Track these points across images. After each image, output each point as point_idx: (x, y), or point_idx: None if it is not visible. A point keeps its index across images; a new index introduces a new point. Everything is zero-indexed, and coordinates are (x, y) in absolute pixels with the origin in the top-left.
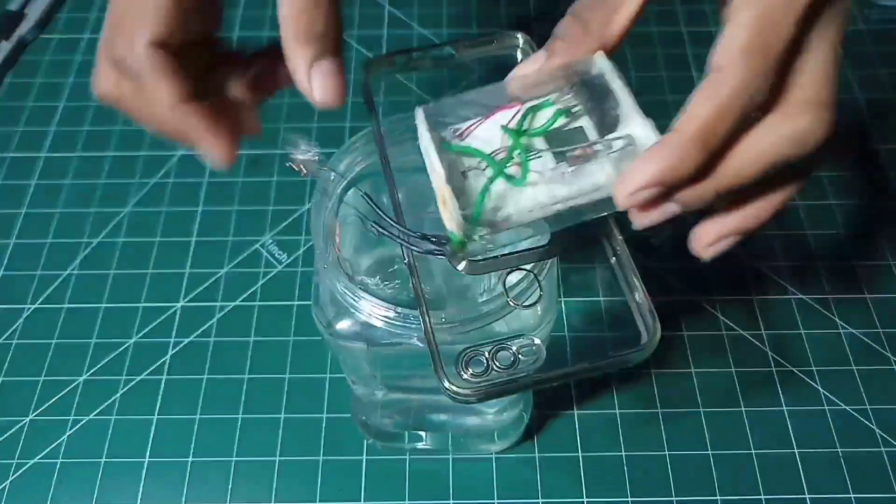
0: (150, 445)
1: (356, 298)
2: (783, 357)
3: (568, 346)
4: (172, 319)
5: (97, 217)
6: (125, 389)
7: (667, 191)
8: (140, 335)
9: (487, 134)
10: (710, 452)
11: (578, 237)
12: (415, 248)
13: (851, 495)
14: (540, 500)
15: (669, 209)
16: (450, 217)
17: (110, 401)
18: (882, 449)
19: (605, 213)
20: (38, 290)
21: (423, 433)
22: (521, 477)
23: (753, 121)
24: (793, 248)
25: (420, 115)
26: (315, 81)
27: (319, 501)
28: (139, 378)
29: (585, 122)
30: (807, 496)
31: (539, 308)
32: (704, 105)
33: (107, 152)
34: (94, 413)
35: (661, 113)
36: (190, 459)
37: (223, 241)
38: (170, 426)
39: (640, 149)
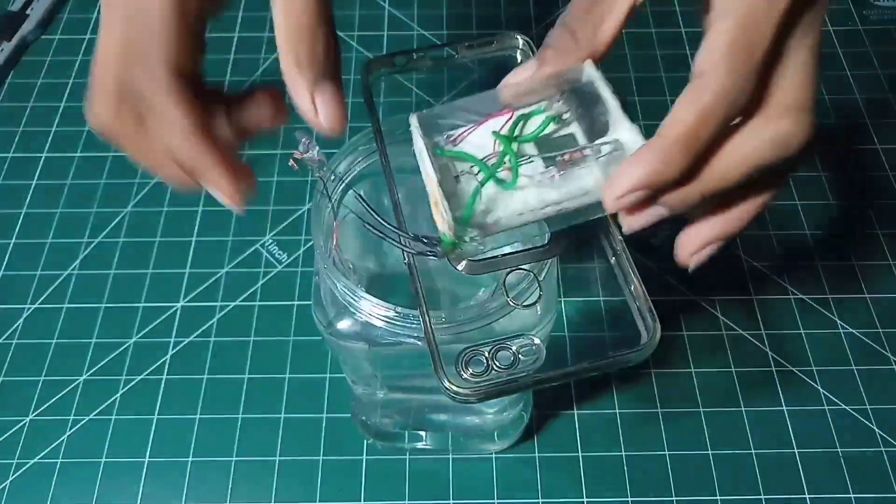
0: (150, 445)
1: (356, 298)
2: (783, 357)
3: (568, 346)
4: (172, 319)
5: (97, 217)
6: (125, 389)
7: (653, 194)
8: (140, 335)
9: (480, 140)
10: (710, 452)
11: (578, 237)
12: (407, 249)
13: (851, 495)
14: (540, 500)
15: (657, 213)
16: (441, 219)
17: (110, 401)
18: (882, 449)
19: (594, 217)
20: (38, 290)
21: (423, 433)
22: (521, 477)
23: (736, 125)
24: (793, 248)
25: (414, 122)
26: (320, 107)
27: (319, 501)
28: (139, 378)
29: (575, 129)
30: (807, 496)
31: (539, 308)
32: (688, 110)
33: (107, 152)
34: (94, 413)
35: (660, 113)
36: (190, 459)
37: (223, 241)
38: (170, 426)
39: (628, 153)
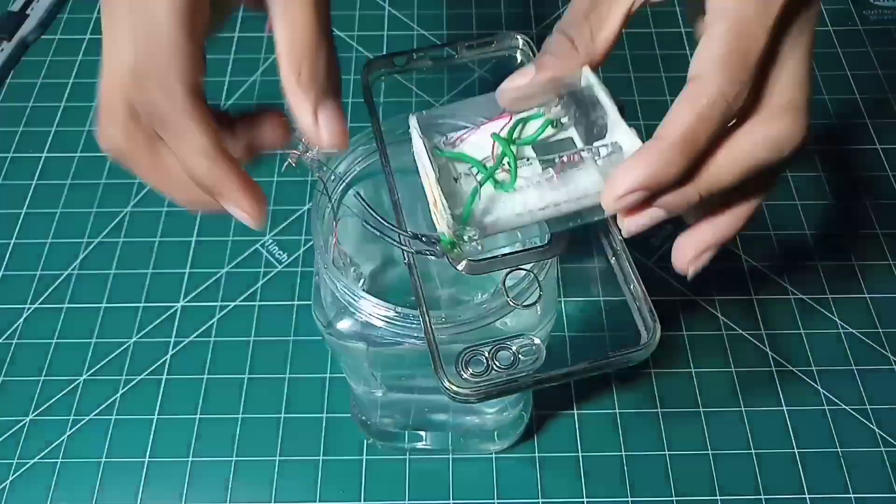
0: (150, 445)
1: (356, 298)
2: (783, 357)
3: (568, 346)
4: (172, 319)
5: (97, 217)
6: (125, 389)
7: (651, 195)
8: (140, 335)
9: (479, 142)
10: (710, 452)
11: (578, 237)
12: (406, 247)
13: (851, 495)
14: (540, 500)
15: (656, 214)
16: (440, 218)
17: (110, 401)
18: (882, 449)
19: (592, 219)
20: (38, 290)
21: (423, 433)
22: (521, 477)
23: (732, 126)
24: (793, 248)
25: (413, 122)
26: (322, 125)
27: (319, 501)
28: (139, 378)
29: (573, 133)
30: (807, 496)
31: (539, 308)
32: (685, 112)
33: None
34: (94, 413)
35: (660, 113)
36: (190, 459)
37: (223, 241)
38: (170, 426)
39: (626, 156)
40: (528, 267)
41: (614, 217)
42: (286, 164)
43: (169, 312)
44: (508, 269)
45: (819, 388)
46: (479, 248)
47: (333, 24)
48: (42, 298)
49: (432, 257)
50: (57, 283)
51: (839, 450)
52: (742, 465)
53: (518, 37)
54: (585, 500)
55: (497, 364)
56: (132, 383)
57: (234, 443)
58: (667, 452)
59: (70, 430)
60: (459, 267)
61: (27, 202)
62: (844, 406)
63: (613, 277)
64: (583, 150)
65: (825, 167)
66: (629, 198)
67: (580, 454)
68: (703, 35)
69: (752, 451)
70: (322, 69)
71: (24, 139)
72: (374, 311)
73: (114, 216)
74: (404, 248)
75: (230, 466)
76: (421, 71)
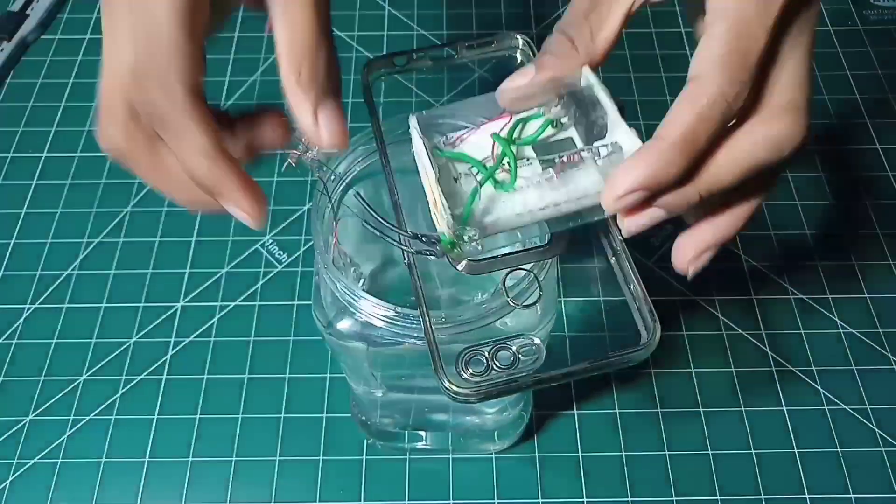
0: (150, 445)
1: (356, 298)
2: (783, 357)
3: (568, 346)
4: (172, 319)
5: (97, 217)
6: (125, 389)
7: (651, 195)
8: (140, 335)
9: (479, 142)
10: (710, 452)
11: (578, 237)
12: (406, 247)
13: (851, 495)
14: (540, 500)
15: (656, 215)
16: (440, 218)
17: (110, 401)
18: (882, 449)
19: (593, 219)
20: (38, 290)
21: (423, 433)
22: (521, 477)
23: (732, 126)
24: (793, 248)
25: (413, 122)
26: (322, 125)
27: (319, 501)
28: (139, 378)
29: (573, 133)
30: (807, 496)
31: (539, 308)
32: (685, 112)
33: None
34: (94, 413)
35: (660, 113)
36: (190, 459)
37: (223, 241)
38: (170, 426)
39: (626, 156)
40: (528, 267)
41: (614, 217)
42: (286, 164)
43: (169, 312)
44: (508, 269)
45: (819, 388)
46: (479, 248)
47: (333, 24)
48: (42, 298)
49: (432, 257)
50: (57, 283)
51: (839, 450)
52: (742, 465)
53: (518, 37)
54: (585, 500)
55: (497, 364)
56: (132, 383)
57: (234, 443)
58: (667, 452)
59: (70, 430)
60: (459, 267)
61: (27, 202)
62: (844, 406)
63: (613, 277)
64: (583, 150)
65: (825, 167)
66: (629, 198)
67: (580, 454)
68: (703, 35)
69: (752, 451)
70: (322, 69)
71: (24, 139)
72: (374, 311)
73: (114, 216)
74: (404, 248)
75: (230, 466)
76: (421, 71)
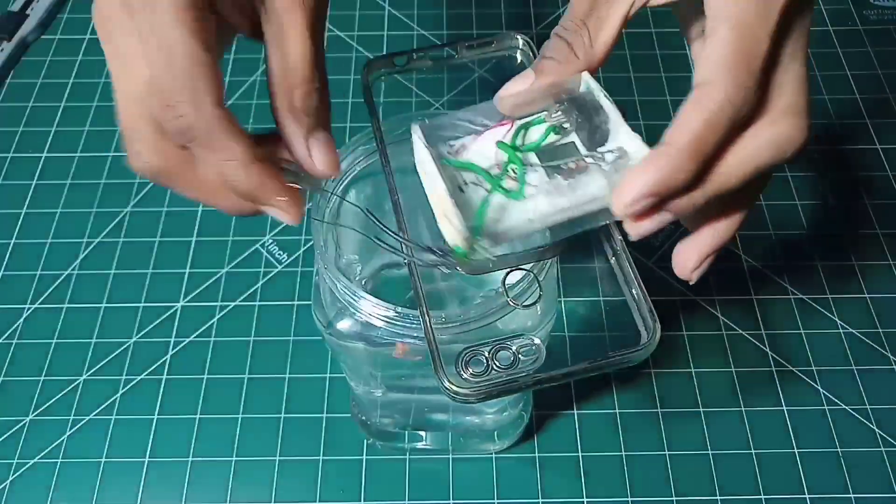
0: (150, 445)
1: (356, 298)
2: (783, 357)
3: (568, 346)
4: (172, 319)
5: (97, 217)
6: (125, 389)
7: (661, 200)
8: (140, 335)
9: (482, 150)
10: (710, 452)
11: (578, 238)
12: (419, 261)
13: (851, 495)
14: (540, 500)
15: (664, 219)
16: (453, 230)
17: (110, 401)
18: (882, 449)
19: (601, 223)
20: (38, 290)
21: (423, 433)
22: (521, 477)
23: (737, 130)
24: (793, 248)
25: (417, 132)
26: (315, 153)
27: (319, 501)
28: (139, 378)
29: (574, 138)
30: (807, 496)
31: (539, 308)
32: (693, 118)
33: (107, 152)
34: (94, 413)
35: (660, 113)
36: (190, 459)
37: (223, 241)
38: (170, 426)
39: (631, 161)
40: (528, 267)
41: (618, 222)
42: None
43: (169, 312)
44: (508, 269)
45: (819, 388)
46: (493, 258)
47: (333, 24)
48: (42, 298)
49: (445, 270)
50: (57, 283)
51: (839, 450)
52: (742, 465)
53: (518, 37)
54: (585, 500)
55: (497, 364)
56: (132, 383)
57: (234, 443)
58: (667, 452)
59: (70, 430)
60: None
61: (27, 202)
62: (844, 406)
63: (613, 277)
64: (589, 156)
65: (825, 167)
66: (639, 204)
67: (580, 454)
68: (707, 40)
69: (752, 451)
70: (315, 100)
71: (24, 139)
72: (374, 311)
73: (114, 216)
74: (417, 260)
75: (230, 466)
76: (421, 71)
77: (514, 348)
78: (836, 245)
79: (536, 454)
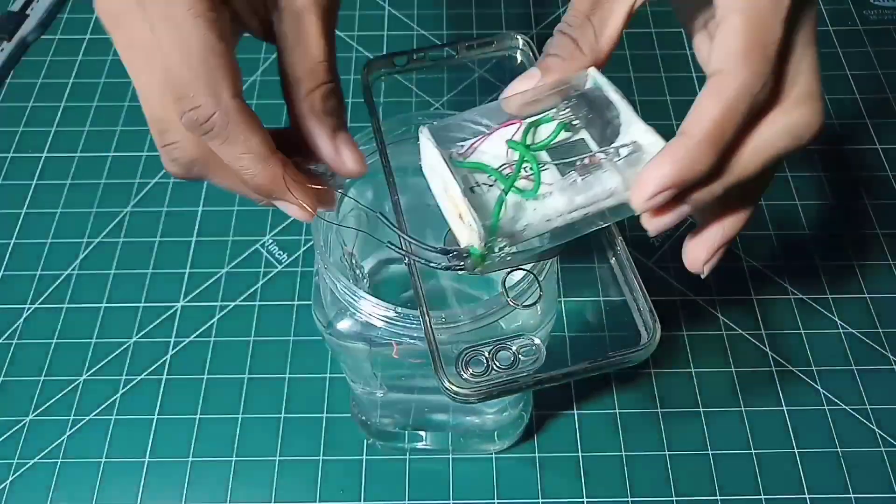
0: (150, 445)
1: (356, 298)
2: (783, 357)
3: (568, 346)
4: (172, 319)
5: (97, 217)
6: (125, 389)
7: (680, 192)
8: (140, 335)
9: (492, 150)
10: (710, 452)
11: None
12: (433, 264)
13: (851, 495)
14: (540, 500)
15: (682, 211)
16: (469, 231)
17: (110, 401)
18: (882, 449)
19: (620, 219)
20: (38, 290)
21: (423, 433)
22: (521, 477)
23: (754, 118)
24: (793, 248)
25: (426, 134)
26: (344, 152)
27: (319, 501)
28: (139, 378)
29: (585, 135)
30: (807, 496)
31: (539, 308)
32: (712, 107)
33: (107, 152)
34: (94, 413)
35: (660, 113)
36: (190, 459)
37: (223, 241)
38: (170, 426)
39: (647, 154)
40: (528, 267)
41: (632, 219)
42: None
43: (169, 312)
44: (508, 269)
45: (819, 388)
46: (509, 258)
47: None
48: (42, 298)
49: (462, 272)
50: (57, 283)
51: (839, 450)
52: (742, 465)
53: (518, 37)
54: (585, 500)
55: (497, 364)
56: (132, 383)
57: (234, 443)
58: (667, 452)
59: (70, 430)
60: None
61: (27, 202)
62: (844, 406)
63: (613, 277)
64: (601, 152)
65: (825, 167)
66: (660, 196)
67: (580, 454)
68: (719, 30)
69: (752, 451)
70: (336, 100)
71: (24, 139)
72: (374, 311)
73: (114, 216)
74: (431, 264)
75: (230, 466)
76: (421, 71)
77: (514, 348)
78: (836, 245)
79: (536, 454)
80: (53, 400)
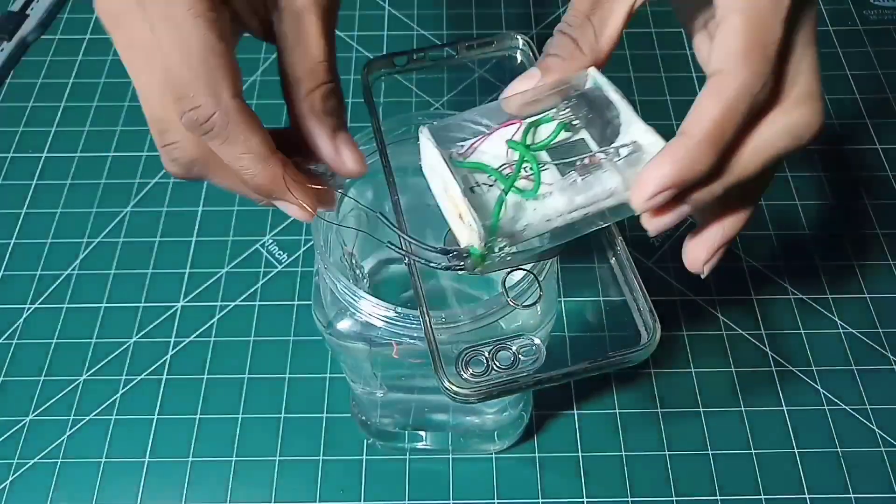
0: (150, 445)
1: (356, 298)
2: (783, 357)
3: (568, 346)
4: (172, 319)
5: (97, 217)
6: (125, 389)
7: (680, 192)
8: (140, 335)
9: (492, 150)
10: (710, 452)
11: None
12: (433, 264)
13: (851, 495)
14: (540, 500)
15: (682, 211)
16: (469, 231)
17: (110, 401)
18: (882, 449)
19: (620, 219)
20: (38, 290)
21: (423, 433)
22: (521, 477)
23: (754, 118)
24: (793, 248)
25: (426, 134)
26: (344, 152)
27: (319, 501)
28: (139, 378)
29: (585, 135)
30: (807, 496)
31: (539, 308)
32: (712, 107)
33: (107, 152)
34: (94, 413)
35: (660, 113)
36: (190, 459)
37: (223, 241)
38: (170, 426)
39: (647, 154)
40: (528, 267)
41: (633, 219)
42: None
43: (169, 312)
44: (508, 269)
45: (819, 388)
46: (509, 258)
47: None
48: (42, 298)
49: (463, 272)
50: (57, 283)
51: (839, 450)
52: (742, 465)
53: (518, 37)
54: (585, 500)
55: (497, 364)
56: (132, 383)
57: (234, 443)
58: (667, 452)
59: (70, 430)
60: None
61: (27, 202)
62: (844, 406)
63: (613, 277)
64: (601, 152)
65: (825, 167)
66: (661, 196)
67: (580, 454)
68: (718, 30)
69: (752, 451)
70: (337, 101)
71: (24, 139)
72: (374, 311)
73: (114, 216)
74: (432, 264)
75: (230, 466)
76: (421, 71)
77: (514, 348)
78: (836, 245)
79: (536, 454)
80: (53, 400)
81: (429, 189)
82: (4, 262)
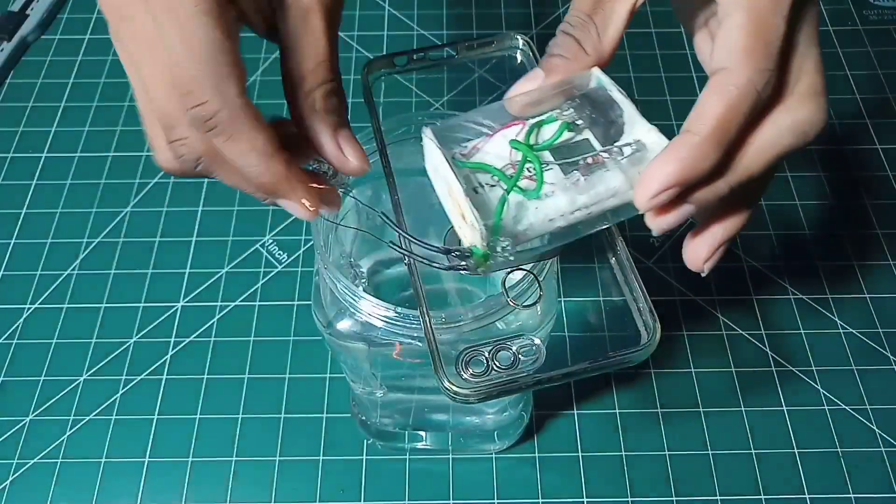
0: (150, 445)
1: (356, 298)
2: (783, 357)
3: (568, 346)
4: (172, 319)
5: (97, 217)
6: (125, 389)
7: (684, 190)
8: (140, 335)
9: (495, 151)
10: (710, 452)
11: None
12: (436, 265)
13: (851, 495)
14: (540, 500)
15: (686, 211)
16: (472, 231)
17: (110, 401)
18: (882, 449)
19: (623, 219)
20: (38, 290)
21: (422, 433)
22: (521, 477)
23: (759, 116)
24: (793, 248)
25: (429, 134)
26: (347, 150)
27: (319, 501)
28: (139, 378)
29: (589, 134)
30: (807, 496)
31: (539, 308)
32: (715, 104)
33: (107, 152)
34: (94, 413)
35: (661, 113)
36: (190, 459)
37: (223, 241)
38: (170, 426)
39: (650, 153)
40: (528, 267)
41: (635, 218)
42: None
43: (169, 312)
44: (509, 269)
45: (819, 388)
46: (512, 258)
47: None
48: (42, 298)
49: (465, 272)
50: (57, 283)
51: (839, 450)
52: (742, 465)
53: (518, 37)
54: (585, 500)
55: (497, 364)
56: (132, 383)
57: (234, 443)
58: (667, 452)
59: (70, 430)
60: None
61: (27, 202)
62: (844, 406)
63: (614, 277)
64: (606, 151)
65: (825, 167)
66: (663, 195)
67: (580, 454)
68: (721, 27)
69: (752, 451)
70: (338, 99)
71: (24, 139)
72: (374, 311)
73: (114, 216)
74: (435, 265)
75: (230, 466)
76: (421, 71)
77: (514, 348)
78: (836, 245)
79: (536, 454)
80: (53, 400)
81: (430, 189)
82: (4, 262)
